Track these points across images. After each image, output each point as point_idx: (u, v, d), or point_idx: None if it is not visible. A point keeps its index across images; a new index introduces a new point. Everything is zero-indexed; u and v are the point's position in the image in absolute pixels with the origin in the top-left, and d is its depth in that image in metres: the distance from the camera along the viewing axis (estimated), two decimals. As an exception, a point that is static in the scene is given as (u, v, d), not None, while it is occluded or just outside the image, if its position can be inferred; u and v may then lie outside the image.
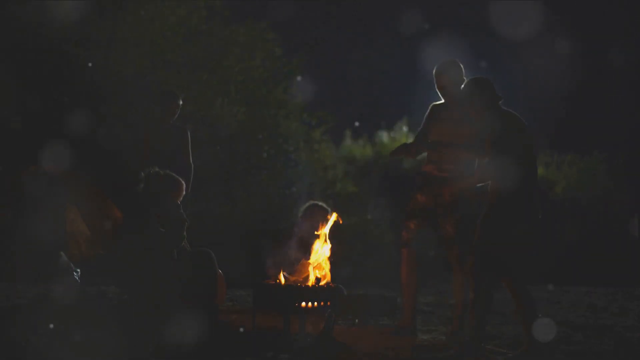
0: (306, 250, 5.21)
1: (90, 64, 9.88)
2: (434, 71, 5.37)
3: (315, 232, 5.08)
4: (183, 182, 4.80)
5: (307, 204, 6.39)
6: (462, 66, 5.35)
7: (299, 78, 12.46)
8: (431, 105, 5.48)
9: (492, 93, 4.65)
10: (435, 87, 5.37)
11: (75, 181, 6.75)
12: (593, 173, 15.03)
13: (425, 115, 5.47)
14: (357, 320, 5.79)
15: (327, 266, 4.99)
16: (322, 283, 4.95)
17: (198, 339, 4.27)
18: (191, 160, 6.60)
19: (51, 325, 4.63)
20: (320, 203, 6.43)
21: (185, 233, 4.69)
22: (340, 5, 18.83)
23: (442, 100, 5.40)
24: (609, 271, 11.97)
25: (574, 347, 5.01)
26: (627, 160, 15.07)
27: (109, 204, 6.67)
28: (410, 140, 6.36)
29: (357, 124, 15.54)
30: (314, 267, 4.97)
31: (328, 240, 5.01)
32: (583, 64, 16.65)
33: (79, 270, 5.86)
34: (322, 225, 5.07)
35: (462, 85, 4.81)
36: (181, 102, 6.60)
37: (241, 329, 4.74)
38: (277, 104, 12.06)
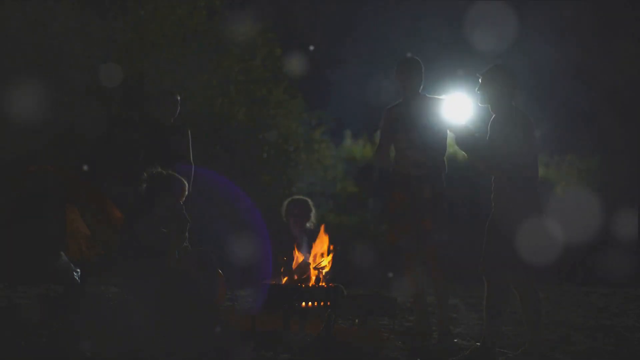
0: (303, 249, 5.23)
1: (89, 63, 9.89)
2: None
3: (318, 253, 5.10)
4: (186, 182, 4.80)
5: (286, 202, 6.35)
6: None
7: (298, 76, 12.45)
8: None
9: (512, 86, 4.51)
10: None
11: (76, 181, 6.75)
12: (592, 173, 15.04)
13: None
14: (357, 320, 5.79)
15: (327, 264, 5.01)
16: (322, 283, 4.95)
17: (198, 339, 4.27)
18: (192, 161, 6.60)
19: (52, 324, 4.64)
20: (297, 197, 6.40)
21: (187, 233, 4.69)
22: (340, 4, 18.83)
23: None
24: (609, 271, 11.94)
25: (574, 347, 5.00)
26: (627, 159, 15.07)
27: (109, 204, 6.68)
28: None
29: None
30: (314, 268, 4.97)
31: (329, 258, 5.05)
32: (583, 64, 16.64)
33: (79, 270, 5.86)
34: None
35: (486, 70, 4.57)
36: (179, 99, 6.58)
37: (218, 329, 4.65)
38: (277, 104, 12.06)
